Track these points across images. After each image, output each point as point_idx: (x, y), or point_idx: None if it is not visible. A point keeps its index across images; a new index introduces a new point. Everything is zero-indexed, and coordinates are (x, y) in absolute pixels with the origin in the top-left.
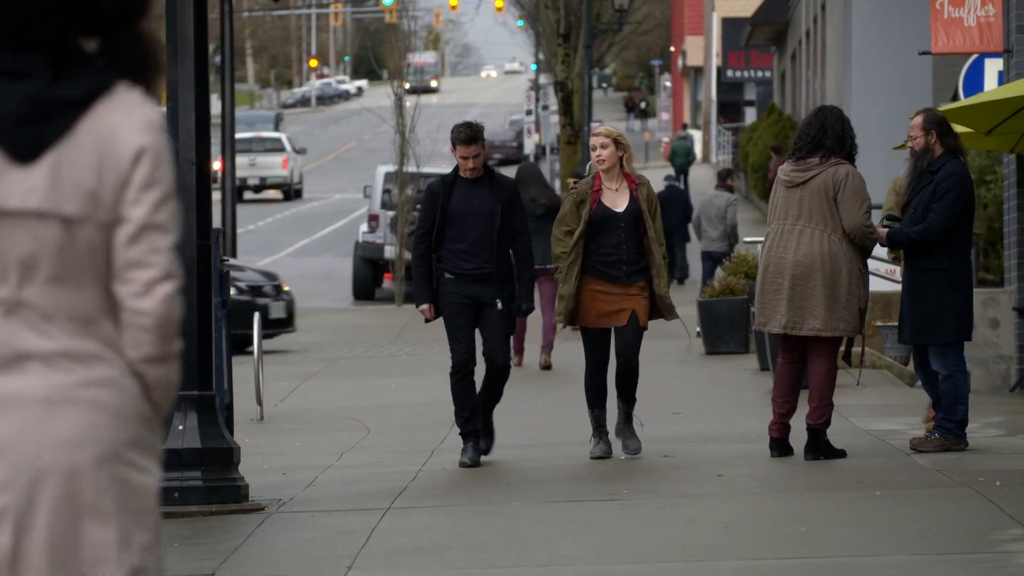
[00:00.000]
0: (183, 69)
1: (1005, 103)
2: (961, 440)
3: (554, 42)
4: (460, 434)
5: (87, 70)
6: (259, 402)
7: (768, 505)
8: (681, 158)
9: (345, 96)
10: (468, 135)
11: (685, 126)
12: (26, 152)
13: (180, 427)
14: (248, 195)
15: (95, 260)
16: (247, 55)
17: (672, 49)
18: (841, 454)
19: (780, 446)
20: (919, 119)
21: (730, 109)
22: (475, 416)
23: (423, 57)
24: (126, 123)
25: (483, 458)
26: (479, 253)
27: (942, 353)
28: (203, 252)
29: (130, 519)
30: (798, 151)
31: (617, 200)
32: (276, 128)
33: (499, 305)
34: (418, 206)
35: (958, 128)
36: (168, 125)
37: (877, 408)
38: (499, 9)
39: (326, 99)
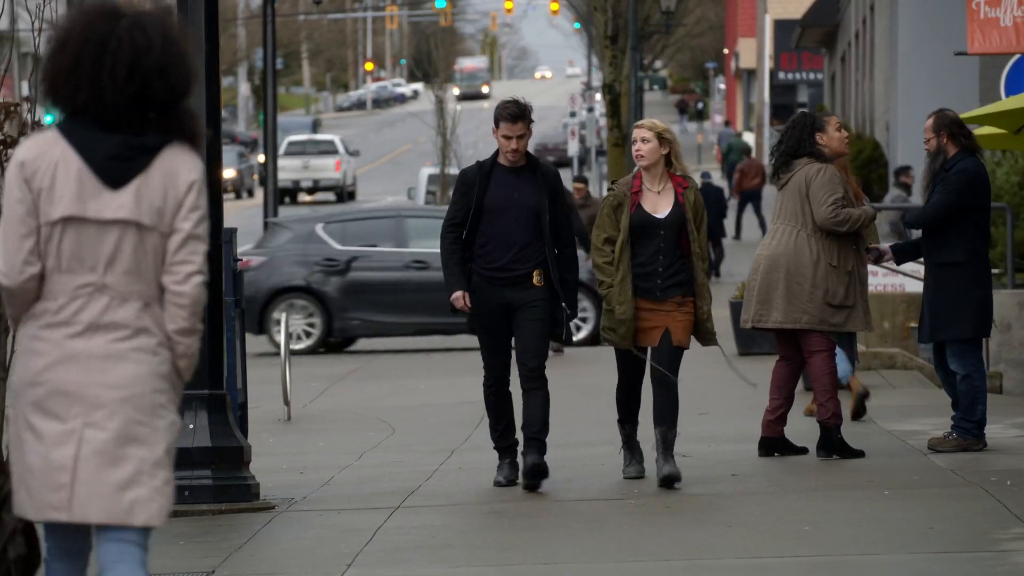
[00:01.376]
0: (195, 59)
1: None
2: (980, 440)
3: (602, 44)
4: (495, 449)
5: (155, 131)
6: (286, 402)
7: (776, 504)
8: (736, 155)
9: (401, 99)
10: (515, 111)
11: (728, 123)
12: (119, 180)
13: (191, 426)
14: (302, 197)
15: (156, 259)
16: (303, 58)
17: (725, 51)
18: (859, 454)
19: (763, 444)
20: (930, 121)
21: (783, 111)
22: (510, 430)
23: (474, 62)
24: (183, 166)
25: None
26: (517, 253)
27: (960, 352)
28: (214, 252)
29: (162, 445)
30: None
31: (659, 204)
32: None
33: (565, 310)
34: None
35: (987, 130)
36: None
37: (905, 409)
38: (554, 12)
39: (381, 102)
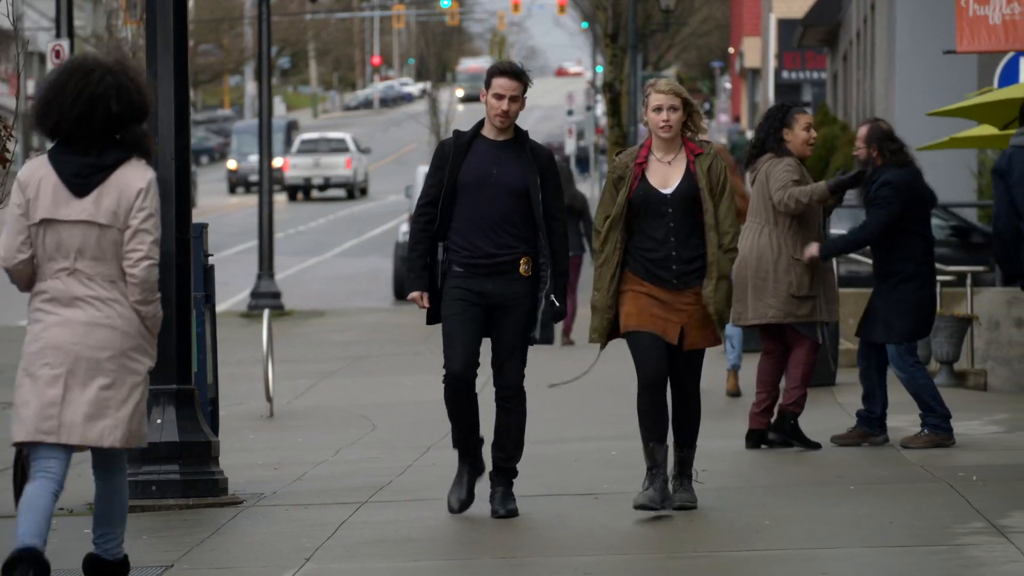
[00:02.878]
0: (163, 64)
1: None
2: (949, 435)
3: (604, 43)
4: (455, 448)
5: (115, 149)
6: (268, 399)
7: (741, 499)
8: (740, 152)
9: (408, 98)
10: (511, 68)
11: (738, 120)
12: (82, 191)
13: (158, 421)
14: (315, 194)
15: (115, 249)
16: (310, 57)
17: (731, 51)
18: (815, 446)
19: (750, 436)
20: (864, 131)
21: None
22: (474, 429)
23: (478, 63)
24: (134, 177)
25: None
26: (499, 239)
27: (898, 354)
28: (181, 246)
29: (127, 388)
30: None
31: (669, 176)
32: (289, 139)
33: (551, 298)
34: None
35: (978, 131)
36: (148, 119)
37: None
38: (561, 11)
39: (389, 101)
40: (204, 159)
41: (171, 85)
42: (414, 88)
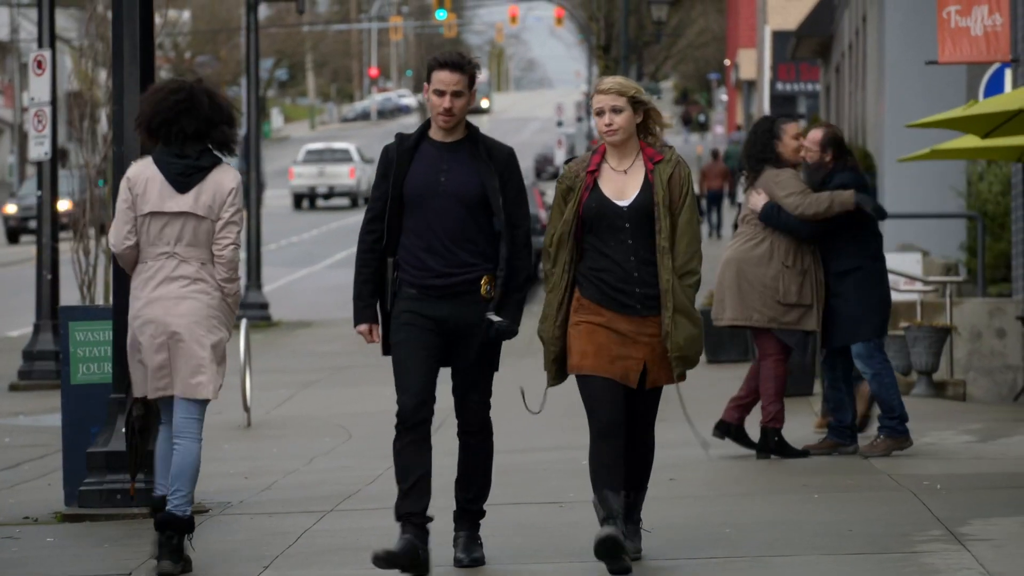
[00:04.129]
0: (129, 74)
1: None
2: (906, 437)
3: (596, 54)
4: (396, 516)
5: (209, 153)
6: (246, 409)
7: (705, 508)
8: (735, 161)
9: (406, 111)
10: (453, 58)
11: (740, 128)
12: (184, 188)
13: (123, 429)
14: (320, 203)
15: (207, 237)
16: (308, 69)
17: (727, 62)
18: (802, 454)
19: (719, 426)
20: (818, 134)
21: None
22: (424, 489)
23: None
24: (225, 179)
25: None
26: (453, 256)
27: (866, 353)
28: None
29: (214, 351)
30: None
31: (625, 187)
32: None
33: (494, 319)
34: None
35: (960, 143)
36: (113, 128)
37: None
38: (559, 23)
39: (386, 113)
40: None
41: (137, 95)
42: (412, 100)
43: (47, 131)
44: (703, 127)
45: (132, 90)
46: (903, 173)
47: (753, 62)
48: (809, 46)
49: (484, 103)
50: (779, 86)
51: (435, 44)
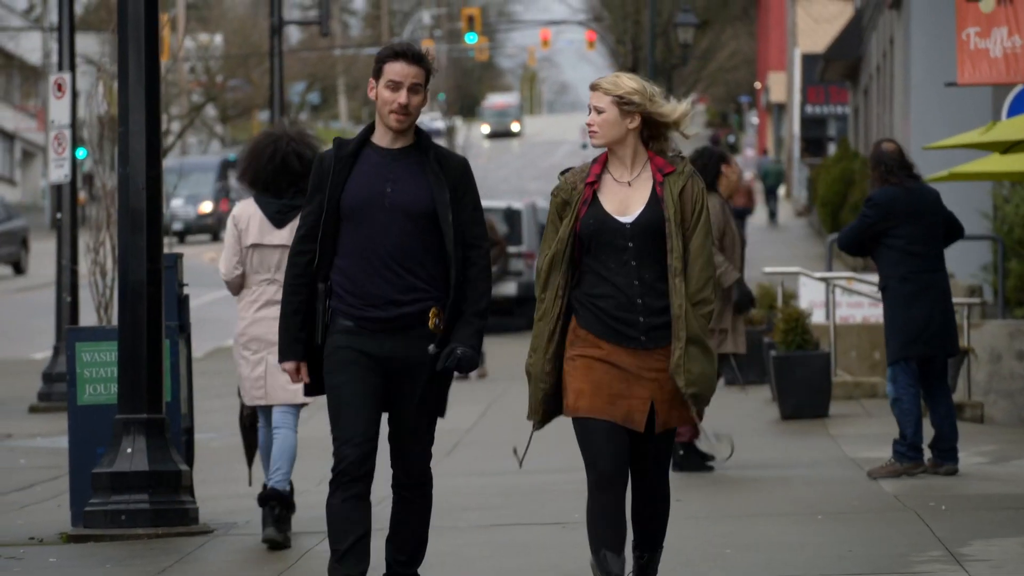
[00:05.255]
0: (135, 96)
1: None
2: (916, 463)
3: None
4: None
5: (300, 194)
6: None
7: (707, 529)
8: (772, 179)
9: (438, 134)
10: (408, 50)
11: (766, 152)
12: (280, 224)
13: (128, 450)
14: None
15: None
16: (340, 93)
17: (757, 85)
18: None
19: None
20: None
21: (814, 146)
22: (357, 553)
23: (504, 98)
24: None
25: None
26: (400, 280)
27: (891, 375)
28: (153, 275)
29: None
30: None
31: (629, 201)
32: (221, 178)
33: (431, 349)
34: None
35: (980, 165)
36: (119, 149)
37: (876, 437)
38: (591, 46)
39: None
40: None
41: (143, 117)
42: (443, 124)
43: (67, 154)
44: (732, 149)
45: (137, 111)
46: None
47: (783, 85)
48: (838, 69)
49: (515, 127)
50: (808, 109)
51: (467, 68)
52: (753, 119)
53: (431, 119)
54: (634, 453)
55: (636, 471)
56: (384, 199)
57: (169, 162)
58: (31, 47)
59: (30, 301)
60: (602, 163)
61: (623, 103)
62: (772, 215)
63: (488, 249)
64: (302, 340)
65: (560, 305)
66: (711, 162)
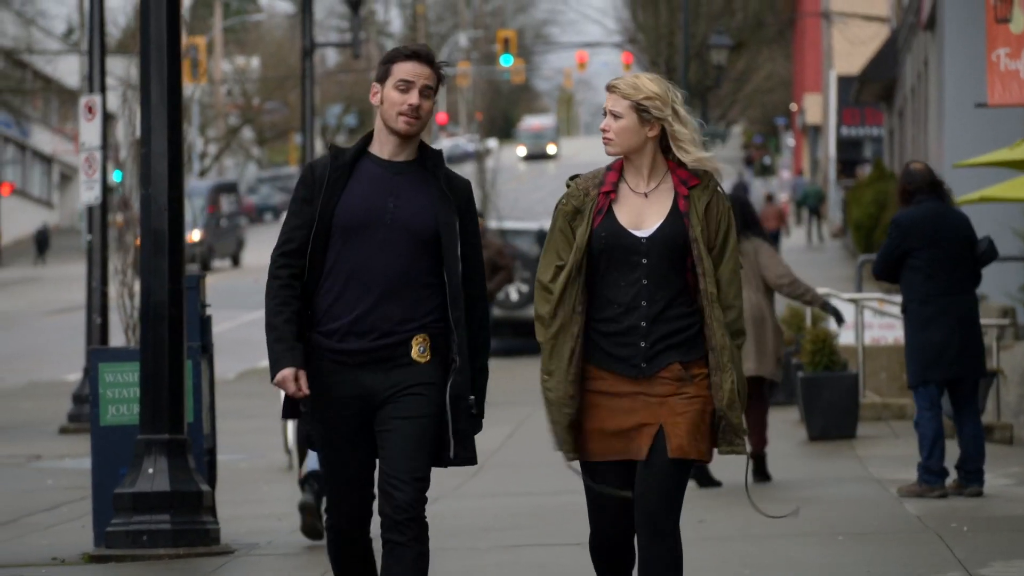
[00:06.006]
0: (157, 116)
1: None
2: (934, 487)
3: None
4: None
5: None
6: (287, 451)
7: (727, 548)
8: (812, 200)
9: (474, 156)
10: (420, 49)
11: (800, 172)
12: None
13: (150, 470)
14: None
15: None
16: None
17: (793, 107)
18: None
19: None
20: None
21: (850, 167)
22: None
23: (540, 120)
24: None
25: (472, 498)
26: (393, 308)
27: (914, 399)
28: (174, 297)
29: None
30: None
31: (645, 213)
32: (212, 204)
33: (417, 352)
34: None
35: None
36: (141, 170)
37: (901, 458)
38: (627, 68)
39: (455, 159)
40: (268, 216)
41: (165, 139)
42: (473, 146)
43: (97, 175)
44: (766, 170)
45: (160, 132)
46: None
47: (819, 107)
48: (873, 90)
49: (551, 148)
50: (844, 130)
51: (503, 91)
52: (789, 141)
53: (467, 141)
54: (638, 489)
55: (641, 511)
56: (386, 215)
57: None
58: (69, 70)
59: (65, 323)
60: (618, 171)
61: (643, 109)
62: (813, 236)
63: (486, 289)
64: (299, 348)
65: (580, 322)
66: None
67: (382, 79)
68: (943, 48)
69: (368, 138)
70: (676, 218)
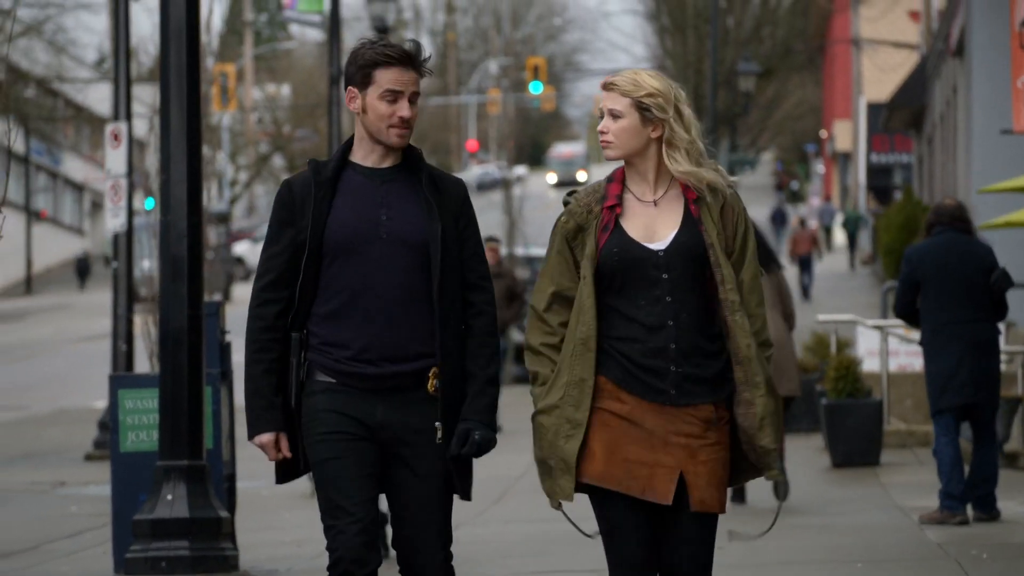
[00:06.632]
0: (176, 143)
1: None
2: (955, 513)
3: None
4: None
5: None
6: (310, 478)
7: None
8: (852, 225)
9: (494, 184)
10: (408, 53)
11: (828, 198)
12: None
13: (169, 497)
14: None
15: None
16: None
17: (823, 134)
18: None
19: None
20: None
21: (881, 194)
22: None
23: (571, 147)
24: None
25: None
26: (398, 332)
27: (934, 425)
28: (193, 322)
29: None
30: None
31: (657, 223)
32: None
33: (438, 435)
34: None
35: None
36: (161, 197)
37: (925, 485)
38: None
39: (486, 186)
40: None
41: (184, 166)
42: (499, 173)
43: (123, 203)
44: (795, 196)
45: (179, 159)
46: (993, 241)
47: (849, 133)
48: (902, 117)
49: (582, 175)
50: (874, 157)
51: (532, 118)
52: (819, 168)
53: (498, 168)
54: (663, 542)
55: (667, 565)
56: (379, 229)
57: (141, 219)
58: (99, 98)
59: (95, 350)
60: (620, 181)
61: (644, 108)
62: (855, 262)
63: (493, 295)
64: (278, 406)
65: (595, 347)
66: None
67: (362, 84)
68: (971, 75)
69: (348, 146)
70: (691, 225)
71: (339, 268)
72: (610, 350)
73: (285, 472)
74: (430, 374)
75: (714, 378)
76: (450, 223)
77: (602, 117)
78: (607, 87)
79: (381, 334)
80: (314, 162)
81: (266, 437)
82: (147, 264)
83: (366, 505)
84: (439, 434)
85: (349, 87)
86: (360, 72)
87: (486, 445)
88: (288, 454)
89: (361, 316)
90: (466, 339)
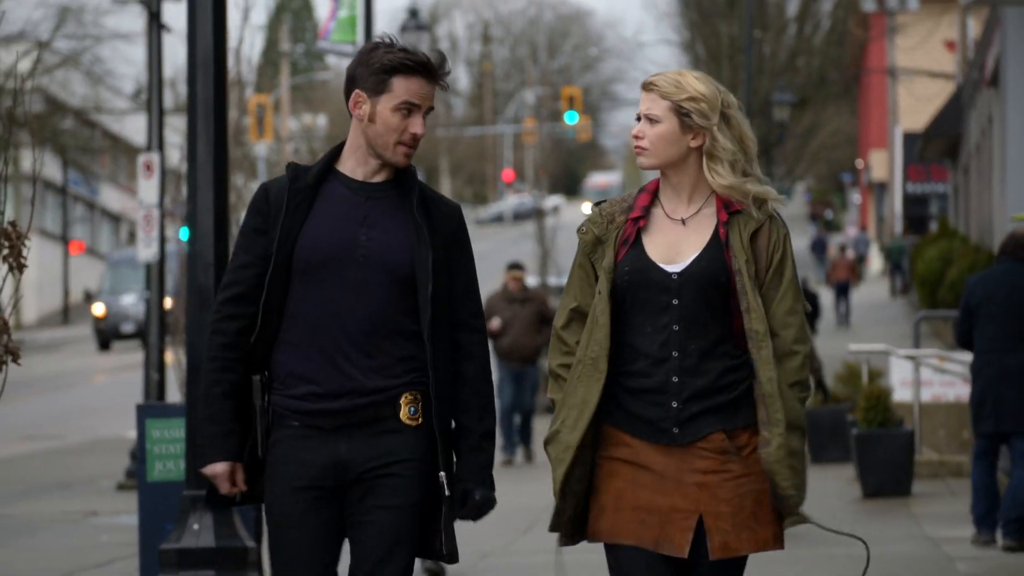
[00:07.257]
0: (203, 173)
1: None
2: (982, 533)
3: None
4: None
5: None
6: None
7: None
8: (895, 254)
9: (528, 214)
10: (431, 61)
11: (864, 229)
12: None
13: (195, 526)
14: None
15: None
16: (443, 172)
17: (860, 164)
18: None
19: None
20: None
21: (917, 224)
22: None
23: (606, 177)
24: None
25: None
26: (370, 360)
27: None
28: None
29: None
30: None
31: (681, 244)
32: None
33: (445, 491)
34: None
35: None
36: (188, 227)
37: (962, 516)
38: None
39: (522, 216)
40: None
41: (211, 196)
42: (547, 202)
43: (155, 233)
44: (829, 226)
45: (206, 189)
46: None
47: (885, 163)
48: (937, 147)
49: None
50: (910, 187)
51: (568, 149)
52: (855, 197)
53: (532, 198)
54: None
55: None
56: (356, 250)
57: (119, 253)
58: (136, 128)
59: (131, 380)
60: (652, 192)
61: (684, 113)
62: (897, 290)
63: (485, 333)
64: (235, 433)
65: (605, 374)
66: None
67: (374, 91)
68: (1005, 104)
69: (335, 153)
70: (715, 249)
71: (306, 290)
72: (616, 391)
73: (218, 499)
74: (402, 399)
75: (725, 406)
76: (441, 251)
77: (638, 121)
78: (647, 87)
79: (346, 368)
80: (294, 166)
81: (220, 467)
82: (127, 299)
83: (324, 570)
84: (446, 491)
85: (357, 90)
86: (375, 76)
87: (486, 506)
88: (243, 488)
89: (328, 347)
90: (456, 386)
